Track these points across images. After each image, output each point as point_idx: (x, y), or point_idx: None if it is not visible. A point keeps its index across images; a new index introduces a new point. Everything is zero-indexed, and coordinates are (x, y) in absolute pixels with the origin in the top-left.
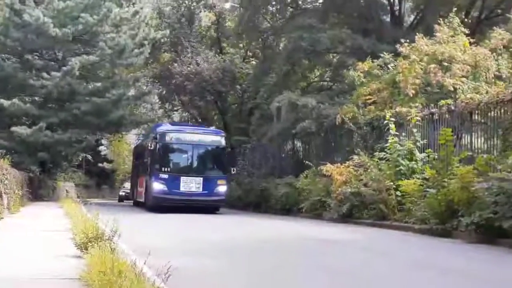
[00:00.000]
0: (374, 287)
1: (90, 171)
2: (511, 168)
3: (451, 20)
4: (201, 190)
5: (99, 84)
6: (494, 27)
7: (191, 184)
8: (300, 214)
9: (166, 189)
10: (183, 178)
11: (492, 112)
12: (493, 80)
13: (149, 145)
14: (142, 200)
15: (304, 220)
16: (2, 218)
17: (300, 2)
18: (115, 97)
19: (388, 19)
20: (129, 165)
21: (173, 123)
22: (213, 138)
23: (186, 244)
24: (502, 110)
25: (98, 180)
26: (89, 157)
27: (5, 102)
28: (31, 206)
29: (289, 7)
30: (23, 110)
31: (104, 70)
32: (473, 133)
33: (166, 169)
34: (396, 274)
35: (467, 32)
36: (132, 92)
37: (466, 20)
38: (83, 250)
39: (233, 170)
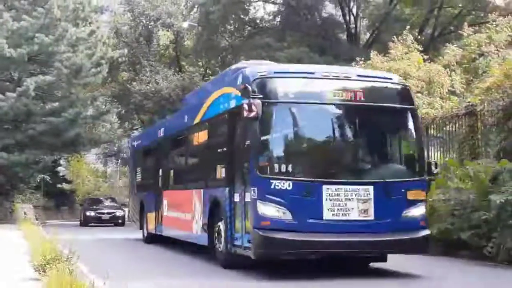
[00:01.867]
0: None
1: (49, 192)
2: (466, 177)
3: (405, 37)
4: (373, 216)
5: (56, 104)
6: (447, 44)
7: (350, 204)
8: None
9: (289, 218)
10: (329, 191)
11: (448, 127)
12: (447, 95)
13: (224, 114)
14: (192, 239)
15: None
16: None
17: (258, 21)
18: (71, 117)
19: (345, 37)
20: (89, 185)
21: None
22: (390, 89)
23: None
24: (457, 124)
25: (57, 201)
26: (47, 178)
27: None
28: None
29: (247, 26)
30: None
31: (61, 90)
32: (430, 147)
33: (283, 168)
34: None
35: (420, 49)
36: (90, 111)
37: (419, 37)
38: (41, 272)
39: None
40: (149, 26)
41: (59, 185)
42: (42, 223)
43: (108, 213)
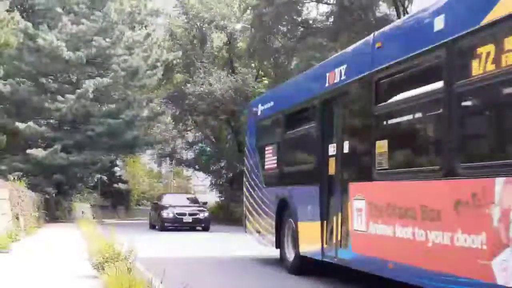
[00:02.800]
0: None
1: (106, 192)
2: None
3: None
4: None
5: (113, 106)
6: None
7: None
8: None
9: None
10: None
11: None
12: None
13: None
14: None
15: None
16: (19, 239)
17: (311, 22)
18: (128, 118)
19: None
20: (144, 186)
21: None
22: None
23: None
24: None
25: (113, 200)
26: (105, 178)
27: (21, 125)
28: (48, 227)
29: (299, 27)
30: (39, 132)
31: (118, 92)
32: None
33: None
34: None
35: None
36: (145, 113)
37: None
38: (100, 270)
39: None
40: (203, 29)
41: (115, 185)
42: (99, 222)
43: (190, 214)
